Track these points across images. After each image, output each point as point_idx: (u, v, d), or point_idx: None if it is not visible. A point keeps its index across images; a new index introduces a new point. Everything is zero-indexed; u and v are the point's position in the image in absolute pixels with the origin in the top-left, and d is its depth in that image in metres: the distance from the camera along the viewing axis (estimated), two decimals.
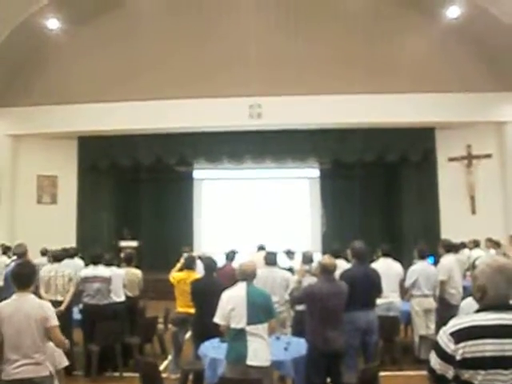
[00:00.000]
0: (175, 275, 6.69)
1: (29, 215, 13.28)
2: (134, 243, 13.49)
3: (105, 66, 12.52)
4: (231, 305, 4.27)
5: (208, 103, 12.22)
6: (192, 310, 6.22)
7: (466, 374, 2.24)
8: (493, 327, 2.24)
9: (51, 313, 3.93)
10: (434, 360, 2.34)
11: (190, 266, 6.65)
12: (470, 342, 2.22)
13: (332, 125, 12.56)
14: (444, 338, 2.30)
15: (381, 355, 6.45)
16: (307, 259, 6.78)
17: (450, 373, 2.29)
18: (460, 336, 2.25)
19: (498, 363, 2.20)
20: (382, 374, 5.36)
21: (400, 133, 12.85)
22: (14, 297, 3.94)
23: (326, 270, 4.76)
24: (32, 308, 3.85)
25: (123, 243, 13.45)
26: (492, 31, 11.68)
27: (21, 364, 3.74)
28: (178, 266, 6.89)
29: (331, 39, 12.36)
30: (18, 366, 3.73)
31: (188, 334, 6.75)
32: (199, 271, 6.82)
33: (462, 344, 2.23)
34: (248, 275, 4.43)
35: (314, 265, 6.13)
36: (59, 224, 13.18)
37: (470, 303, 3.96)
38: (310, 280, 5.61)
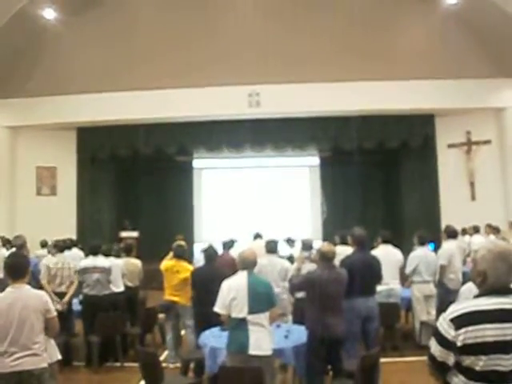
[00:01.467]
0: (164, 263, 6.70)
1: (28, 207, 13.24)
2: (134, 234, 13.47)
3: (103, 56, 12.40)
4: (232, 294, 4.24)
5: (207, 92, 12.13)
6: (176, 299, 6.41)
7: (467, 360, 2.22)
8: (493, 312, 2.22)
9: (50, 304, 3.91)
10: (434, 347, 2.31)
11: (177, 254, 6.59)
12: (470, 328, 2.20)
13: (331, 112, 12.48)
14: (444, 325, 2.27)
15: (381, 342, 6.44)
16: (307, 246, 6.77)
17: (450, 359, 2.26)
18: (460, 322, 2.22)
19: (499, 348, 2.17)
20: (382, 360, 5.35)
21: (399, 119, 12.79)
22: (9, 289, 3.89)
23: (325, 257, 4.74)
24: (30, 299, 3.81)
25: (124, 234, 13.43)
26: (491, 17, 11.55)
27: (19, 356, 3.69)
28: (171, 254, 6.86)
29: (330, 26, 12.21)
30: (16, 358, 3.68)
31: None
32: (198, 262, 6.81)
33: (462, 330, 2.20)
34: (249, 264, 4.40)
35: (314, 252, 6.12)
36: (59, 215, 13.14)
37: (469, 288, 3.95)
38: (309, 267, 5.60)
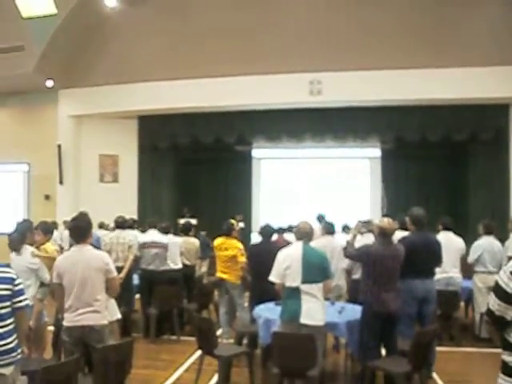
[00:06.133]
0: (215, 241, 6.78)
1: (92, 194, 13.68)
2: (193, 221, 13.63)
3: (164, 45, 12.49)
4: (287, 263, 4.28)
5: (267, 80, 12.01)
6: (225, 276, 6.50)
7: None
8: None
9: (112, 265, 4.09)
10: (493, 301, 2.24)
11: (226, 231, 6.62)
12: None
13: (395, 101, 11.97)
14: (504, 278, 2.19)
15: (438, 329, 6.28)
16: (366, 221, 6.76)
17: (509, 313, 2.18)
18: None
19: None
20: (438, 348, 5.27)
21: (469, 110, 12.05)
22: (73, 248, 4.11)
23: (384, 233, 4.64)
24: (92, 259, 4.00)
25: (182, 221, 13.63)
26: None
27: (82, 312, 3.90)
28: None
29: (394, 9, 11.55)
30: (79, 313, 3.90)
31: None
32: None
33: None
34: (303, 234, 4.41)
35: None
36: (121, 202, 13.32)
37: None
38: (366, 237, 5.55)
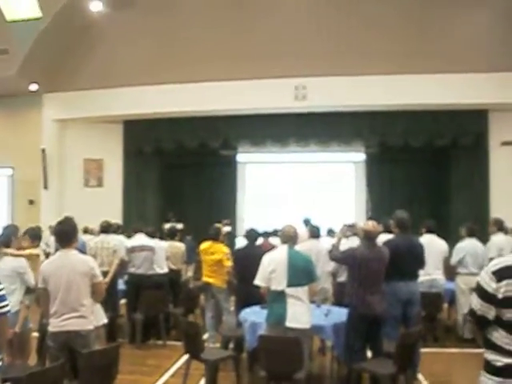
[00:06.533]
0: (201, 245, 6.80)
1: (76, 198, 13.57)
2: (179, 226, 13.63)
3: (149, 50, 12.42)
4: (272, 266, 4.30)
5: (252, 85, 12.07)
6: (211, 280, 6.50)
7: (508, 314, 2.18)
8: None
9: (97, 269, 4.07)
10: (476, 301, 2.29)
11: (213, 236, 6.63)
12: None
13: (379, 107, 12.13)
14: (486, 277, 2.24)
15: (423, 331, 6.34)
16: (350, 225, 6.78)
17: (491, 313, 2.23)
18: (502, 274, 2.19)
19: None
20: (423, 350, 5.32)
21: (451, 115, 12.29)
22: (58, 253, 4.09)
23: (369, 236, 4.71)
24: (77, 263, 3.98)
25: (168, 226, 13.61)
26: None
27: (68, 317, 3.87)
28: None
29: (380, 18, 11.66)
30: (64, 318, 3.87)
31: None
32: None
33: (504, 282, 2.17)
34: (288, 238, 4.44)
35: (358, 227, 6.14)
36: (106, 207, 13.24)
37: None
38: (351, 240, 5.59)
